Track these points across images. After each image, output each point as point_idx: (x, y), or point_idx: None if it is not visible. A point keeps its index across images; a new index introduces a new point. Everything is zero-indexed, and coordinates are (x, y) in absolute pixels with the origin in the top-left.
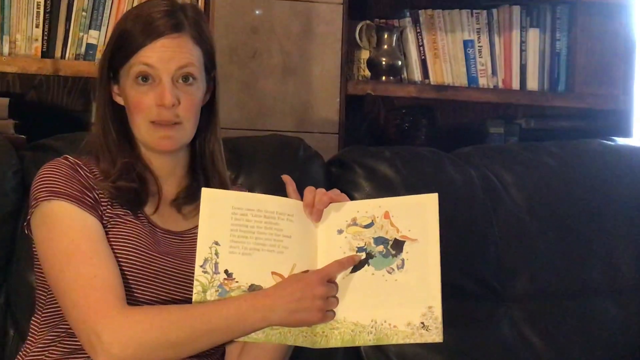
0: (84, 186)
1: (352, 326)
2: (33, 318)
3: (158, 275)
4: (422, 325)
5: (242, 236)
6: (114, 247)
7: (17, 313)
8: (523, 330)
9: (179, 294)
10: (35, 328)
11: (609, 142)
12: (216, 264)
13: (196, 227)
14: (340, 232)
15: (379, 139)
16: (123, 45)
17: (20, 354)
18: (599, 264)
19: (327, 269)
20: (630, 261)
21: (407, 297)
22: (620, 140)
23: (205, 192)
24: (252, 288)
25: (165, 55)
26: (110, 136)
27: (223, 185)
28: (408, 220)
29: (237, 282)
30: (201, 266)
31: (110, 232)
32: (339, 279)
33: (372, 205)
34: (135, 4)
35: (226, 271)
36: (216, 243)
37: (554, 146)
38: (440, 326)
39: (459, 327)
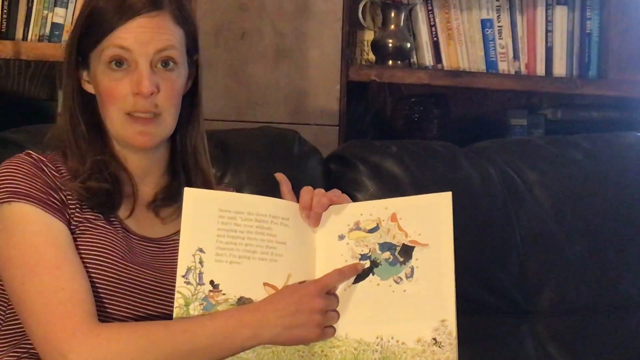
0: (50, 186)
1: (355, 344)
2: None
3: (133, 289)
4: (434, 341)
5: (230, 242)
6: (83, 255)
7: None
8: (549, 349)
9: (157, 309)
10: None
11: None
12: (200, 273)
13: (177, 233)
14: (341, 237)
15: (384, 132)
16: (94, 25)
17: None
18: (634, 274)
19: (326, 279)
20: None
21: (417, 310)
22: None
23: (188, 192)
24: (242, 301)
25: (143, 36)
26: (79, 130)
27: (207, 185)
28: (418, 223)
29: (224, 294)
30: (183, 276)
31: (79, 239)
32: (339, 290)
33: (378, 207)
34: None
35: (212, 282)
36: (200, 250)
37: (584, 140)
38: (455, 342)
39: (475, 346)
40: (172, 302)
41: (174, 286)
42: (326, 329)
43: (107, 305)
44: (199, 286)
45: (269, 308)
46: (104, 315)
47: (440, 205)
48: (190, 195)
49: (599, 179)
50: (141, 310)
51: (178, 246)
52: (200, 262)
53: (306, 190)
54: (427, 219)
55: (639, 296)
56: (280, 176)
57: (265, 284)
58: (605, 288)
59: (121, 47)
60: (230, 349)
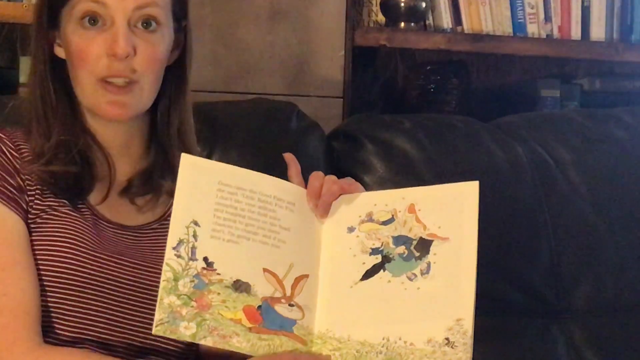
0: (5, 169)
1: (358, 346)
2: None
3: (106, 283)
4: (446, 341)
5: (229, 219)
6: (43, 248)
7: None
8: (584, 352)
9: (135, 305)
10: None
11: None
12: (193, 248)
13: (156, 220)
14: (351, 230)
15: (396, 105)
16: None
17: None
18: None
19: None
20: None
21: (430, 309)
22: None
23: (186, 158)
24: (238, 284)
25: None
26: (47, 99)
27: None
28: (439, 214)
29: (218, 274)
30: (174, 248)
31: (39, 229)
32: (345, 287)
33: (394, 197)
34: None
35: (205, 259)
36: (195, 223)
37: (626, 114)
38: (470, 342)
39: (500, 350)
40: (153, 297)
41: (155, 279)
42: None
43: (76, 305)
44: (190, 261)
45: None
46: (74, 316)
47: (465, 195)
48: (188, 161)
49: None
50: (117, 307)
51: (159, 235)
52: (194, 236)
53: (315, 176)
54: (450, 210)
55: None
56: (289, 157)
57: (265, 270)
58: None
59: (95, 1)
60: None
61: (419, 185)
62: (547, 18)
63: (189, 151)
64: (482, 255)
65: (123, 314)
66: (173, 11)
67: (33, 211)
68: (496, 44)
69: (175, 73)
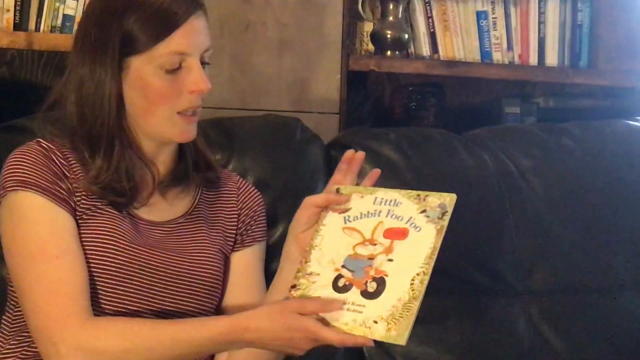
0: (57, 175)
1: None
2: (4, 316)
3: (143, 271)
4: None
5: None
6: (89, 240)
7: None
8: (541, 328)
9: (166, 290)
10: (6, 328)
11: (635, 123)
12: None
13: (183, 215)
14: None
15: (383, 120)
16: (141, 33)
17: None
18: (625, 256)
19: (320, 330)
20: None
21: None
22: None
23: None
24: None
25: (195, 39)
26: (111, 131)
27: (208, 164)
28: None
29: None
30: None
31: (85, 225)
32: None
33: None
34: None
35: None
36: None
37: (575, 127)
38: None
39: (470, 325)
40: (182, 283)
41: (183, 267)
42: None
43: (117, 285)
44: None
45: (261, 334)
46: (114, 294)
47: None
48: None
49: (589, 165)
50: (151, 291)
51: (183, 229)
52: None
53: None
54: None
55: (629, 278)
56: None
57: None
58: (597, 270)
59: (179, 53)
60: (218, 352)
61: (401, 187)
62: (509, 47)
63: (202, 152)
64: (456, 245)
65: (153, 292)
66: None
67: (80, 209)
68: (467, 69)
69: None
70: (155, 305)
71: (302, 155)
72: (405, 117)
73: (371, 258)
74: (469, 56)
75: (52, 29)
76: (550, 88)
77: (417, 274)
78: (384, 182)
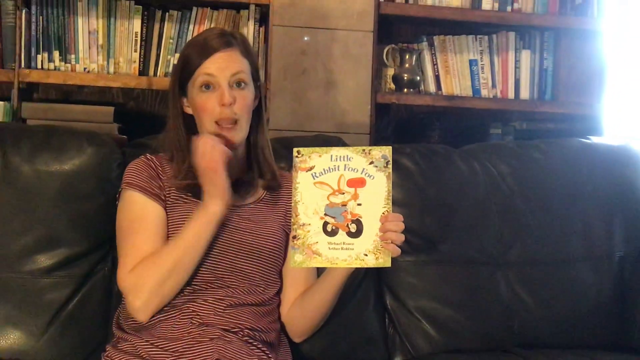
0: (152, 177)
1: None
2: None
3: (222, 244)
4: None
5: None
6: (178, 219)
7: None
8: (517, 290)
9: (238, 251)
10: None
11: (586, 140)
12: None
13: (253, 202)
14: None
15: (402, 139)
16: (188, 64)
17: (118, 310)
18: (576, 237)
19: None
20: (601, 235)
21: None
22: (594, 139)
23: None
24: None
25: (222, 65)
26: (182, 140)
27: (273, 174)
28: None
29: None
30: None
31: (174, 210)
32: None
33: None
34: None
35: None
36: None
37: (542, 144)
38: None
39: (465, 286)
40: (255, 255)
41: (256, 242)
42: None
43: (203, 261)
44: None
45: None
46: (203, 262)
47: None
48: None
49: (552, 170)
50: (227, 256)
51: (253, 211)
52: None
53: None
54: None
55: (580, 254)
56: None
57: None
58: (556, 246)
59: (208, 74)
60: (210, 233)
61: (415, 188)
62: (494, 85)
63: (270, 163)
64: (456, 230)
65: (231, 256)
66: (252, 75)
67: (170, 199)
68: (462, 102)
69: (257, 114)
70: (232, 266)
71: None
72: (418, 136)
73: (344, 204)
74: (464, 92)
75: (166, 74)
76: (524, 115)
77: (383, 213)
78: (402, 183)
